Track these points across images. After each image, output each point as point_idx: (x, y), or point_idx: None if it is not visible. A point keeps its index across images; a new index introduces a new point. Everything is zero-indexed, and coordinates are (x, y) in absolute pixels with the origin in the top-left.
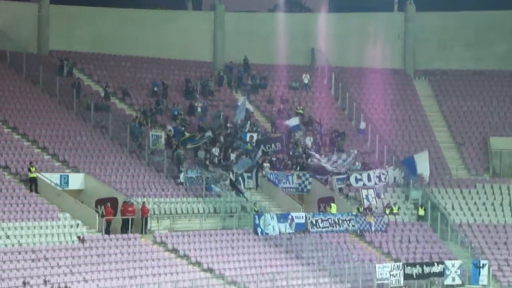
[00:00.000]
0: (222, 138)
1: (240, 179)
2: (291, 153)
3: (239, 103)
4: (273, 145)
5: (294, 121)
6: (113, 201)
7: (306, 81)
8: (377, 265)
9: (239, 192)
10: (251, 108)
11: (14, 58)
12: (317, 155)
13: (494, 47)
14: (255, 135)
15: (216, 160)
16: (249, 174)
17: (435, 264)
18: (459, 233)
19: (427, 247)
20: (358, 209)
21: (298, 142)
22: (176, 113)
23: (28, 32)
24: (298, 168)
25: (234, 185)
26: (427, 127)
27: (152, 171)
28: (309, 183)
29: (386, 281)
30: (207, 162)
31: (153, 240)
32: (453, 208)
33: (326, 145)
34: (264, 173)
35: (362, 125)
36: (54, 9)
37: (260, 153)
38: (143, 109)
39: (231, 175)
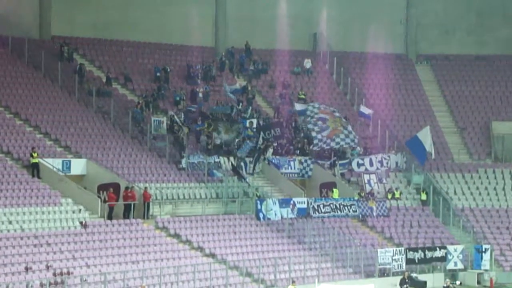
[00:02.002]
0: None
1: (242, 164)
2: (292, 138)
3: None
4: (272, 131)
5: (301, 106)
6: (115, 186)
7: (308, 66)
8: (379, 250)
9: (241, 178)
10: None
11: (16, 43)
12: (319, 135)
13: (496, 32)
14: (254, 121)
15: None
16: (251, 159)
17: (437, 249)
18: (461, 217)
19: (429, 232)
20: (359, 194)
21: (300, 127)
22: (178, 98)
23: (30, 17)
24: (300, 153)
25: (236, 170)
26: (429, 112)
27: (154, 157)
28: (311, 168)
29: (388, 266)
30: (209, 147)
31: (155, 225)
32: (455, 193)
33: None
34: (266, 157)
35: (365, 110)
36: None
37: (261, 139)
38: (145, 95)
39: (232, 160)
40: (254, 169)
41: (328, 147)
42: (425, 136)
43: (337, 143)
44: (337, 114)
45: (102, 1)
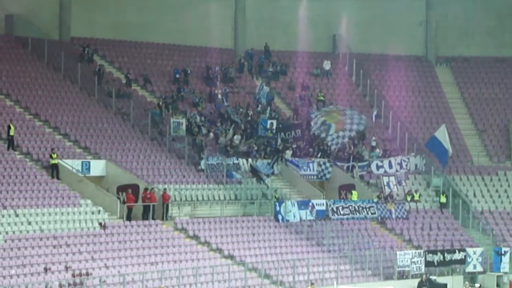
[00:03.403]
0: (243, 126)
1: (260, 165)
2: (311, 140)
3: (258, 89)
4: (293, 132)
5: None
6: (134, 187)
7: (327, 67)
8: (398, 252)
9: (259, 179)
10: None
11: (35, 44)
12: (329, 137)
13: None
14: (275, 122)
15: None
16: (269, 161)
17: (457, 251)
18: (480, 220)
19: (448, 234)
20: (378, 196)
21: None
22: (197, 100)
23: (49, 18)
24: (319, 155)
25: (254, 172)
26: (448, 114)
27: (173, 158)
28: (330, 170)
29: (407, 268)
30: (228, 148)
31: (174, 227)
32: (474, 195)
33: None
34: (284, 158)
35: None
36: None
37: (279, 140)
38: (164, 96)
39: (251, 162)
40: (272, 167)
41: (345, 139)
42: (443, 135)
43: (351, 131)
44: (331, 107)
45: (121, 2)
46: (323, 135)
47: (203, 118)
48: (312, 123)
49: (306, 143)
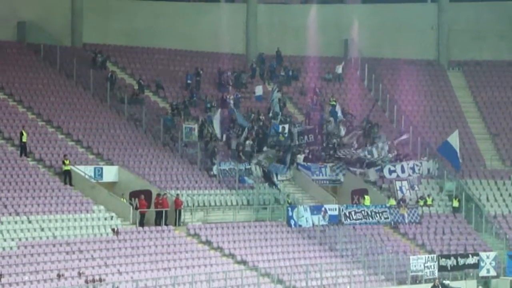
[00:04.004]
0: (254, 131)
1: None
2: (324, 144)
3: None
4: (306, 136)
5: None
6: (147, 193)
7: (339, 71)
8: (411, 257)
9: (272, 184)
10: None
11: (48, 51)
12: (352, 143)
13: None
14: (287, 126)
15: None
16: (282, 166)
17: (470, 255)
18: (493, 224)
19: (461, 238)
20: (390, 200)
21: (331, 134)
22: (208, 105)
23: (62, 25)
24: (331, 160)
25: (267, 177)
26: (461, 118)
27: (186, 163)
28: (343, 175)
29: (420, 273)
30: (240, 154)
31: (186, 232)
32: (487, 200)
33: (360, 136)
34: (297, 164)
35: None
36: (88, 2)
37: (296, 142)
38: (176, 102)
39: (264, 164)
40: (288, 168)
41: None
42: (455, 140)
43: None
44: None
45: (133, 8)
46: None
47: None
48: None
49: (319, 148)
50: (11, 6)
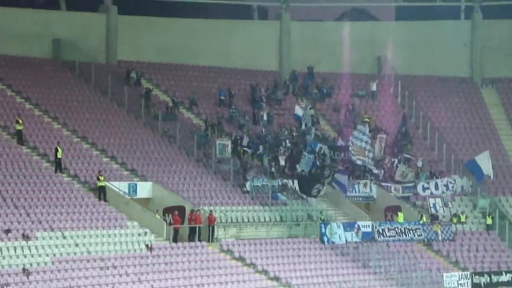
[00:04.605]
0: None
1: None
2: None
3: (301, 113)
4: (342, 154)
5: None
6: (181, 209)
7: (374, 88)
8: (444, 274)
9: (308, 191)
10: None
11: (83, 68)
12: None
13: None
14: (324, 147)
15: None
16: (317, 185)
17: (504, 273)
18: None
19: (495, 256)
20: (422, 217)
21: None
22: (242, 122)
23: (96, 42)
24: (364, 177)
25: (303, 184)
26: (494, 135)
27: (219, 180)
28: (376, 191)
29: None
30: (273, 170)
31: (220, 248)
32: None
33: (394, 153)
34: (331, 180)
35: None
36: (122, 19)
37: (328, 160)
38: (209, 118)
39: (296, 184)
40: (325, 182)
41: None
42: (484, 160)
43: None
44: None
45: (167, 26)
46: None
47: (248, 140)
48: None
49: (353, 166)
50: (46, 23)
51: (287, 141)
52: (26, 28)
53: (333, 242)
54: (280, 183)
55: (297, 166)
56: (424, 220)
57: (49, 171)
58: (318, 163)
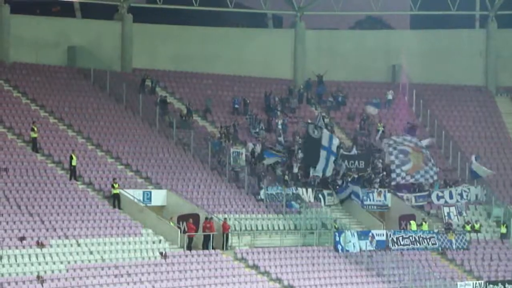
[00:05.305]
0: (301, 155)
1: (320, 196)
2: (372, 171)
3: (316, 120)
4: (356, 162)
5: (426, 142)
6: (195, 217)
7: (390, 97)
8: (459, 283)
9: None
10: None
11: (98, 76)
12: (399, 169)
13: None
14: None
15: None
16: (330, 191)
17: None
18: None
19: (509, 265)
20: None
21: (379, 157)
22: (256, 130)
23: (111, 50)
24: (379, 185)
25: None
26: (509, 144)
27: (233, 188)
28: (390, 200)
29: None
30: (286, 177)
31: (234, 256)
32: None
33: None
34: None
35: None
36: (137, 27)
37: (344, 167)
38: (224, 126)
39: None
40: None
41: (407, 182)
42: (479, 170)
43: (416, 180)
44: (419, 144)
45: (182, 34)
46: (393, 164)
47: (261, 148)
48: (386, 149)
49: (370, 175)
50: (62, 31)
51: (299, 150)
52: (42, 36)
53: (347, 251)
54: (293, 192)
55: (311, 170)
56: (438, 228)
57: (63, 179)
58: (334, 164)
